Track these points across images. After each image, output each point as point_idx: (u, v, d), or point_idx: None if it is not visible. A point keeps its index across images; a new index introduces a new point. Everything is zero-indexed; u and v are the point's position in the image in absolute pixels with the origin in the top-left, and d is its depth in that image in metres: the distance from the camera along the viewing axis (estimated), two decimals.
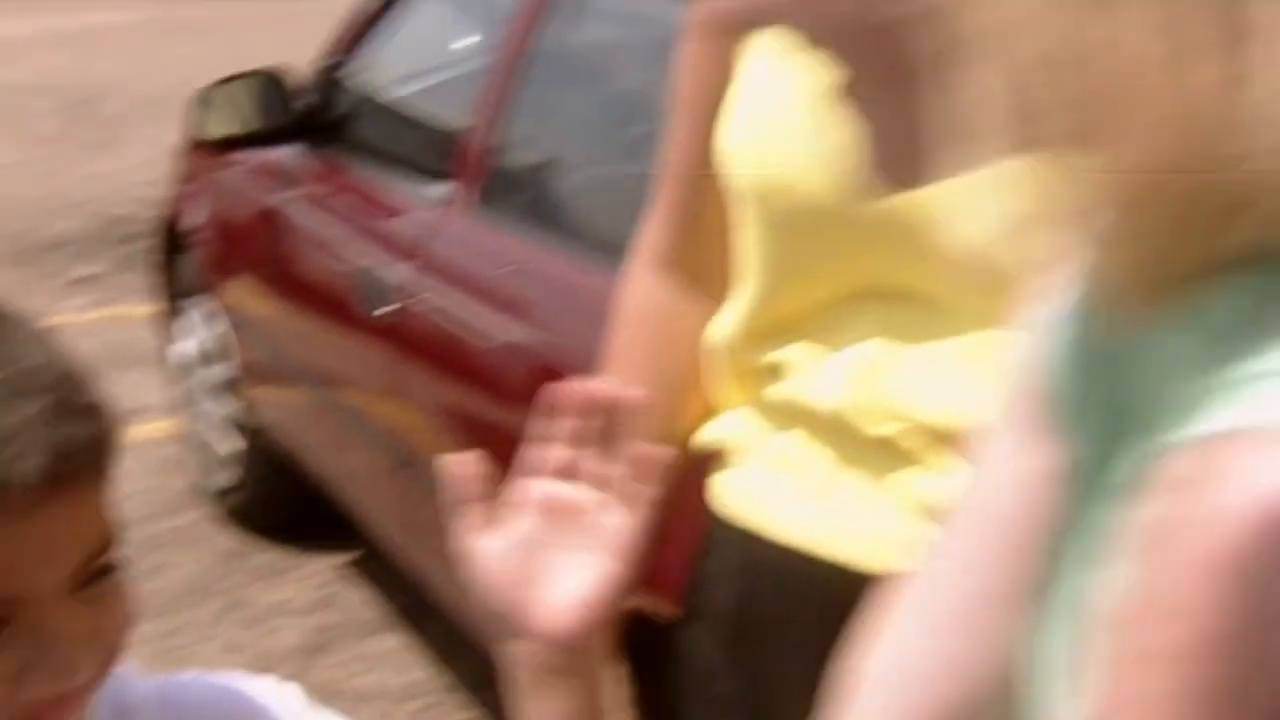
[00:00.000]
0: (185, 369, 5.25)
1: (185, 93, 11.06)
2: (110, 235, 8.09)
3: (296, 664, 4.29)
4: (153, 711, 1.24)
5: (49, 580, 1.06)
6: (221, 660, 4.33)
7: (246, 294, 4.68)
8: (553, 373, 2.97)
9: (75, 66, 11.64)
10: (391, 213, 3.87)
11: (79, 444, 1.05)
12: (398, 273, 3.60)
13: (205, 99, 4.39)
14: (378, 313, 3.61)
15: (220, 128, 4.36)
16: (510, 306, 3.25)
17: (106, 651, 1.11)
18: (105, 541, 1.10)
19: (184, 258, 5.18)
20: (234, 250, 4.79)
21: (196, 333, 5.14)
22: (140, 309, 6.92)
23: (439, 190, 3.65)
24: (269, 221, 4.47)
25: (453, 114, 3.87)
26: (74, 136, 10.04)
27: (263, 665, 4.22)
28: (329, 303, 4.06)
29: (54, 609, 1.07)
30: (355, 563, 4.87)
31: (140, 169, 9.20)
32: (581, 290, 3.03)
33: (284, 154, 4.41)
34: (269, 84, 4.30)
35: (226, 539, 5.05)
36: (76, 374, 1.11)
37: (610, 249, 2.93)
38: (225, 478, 5.09)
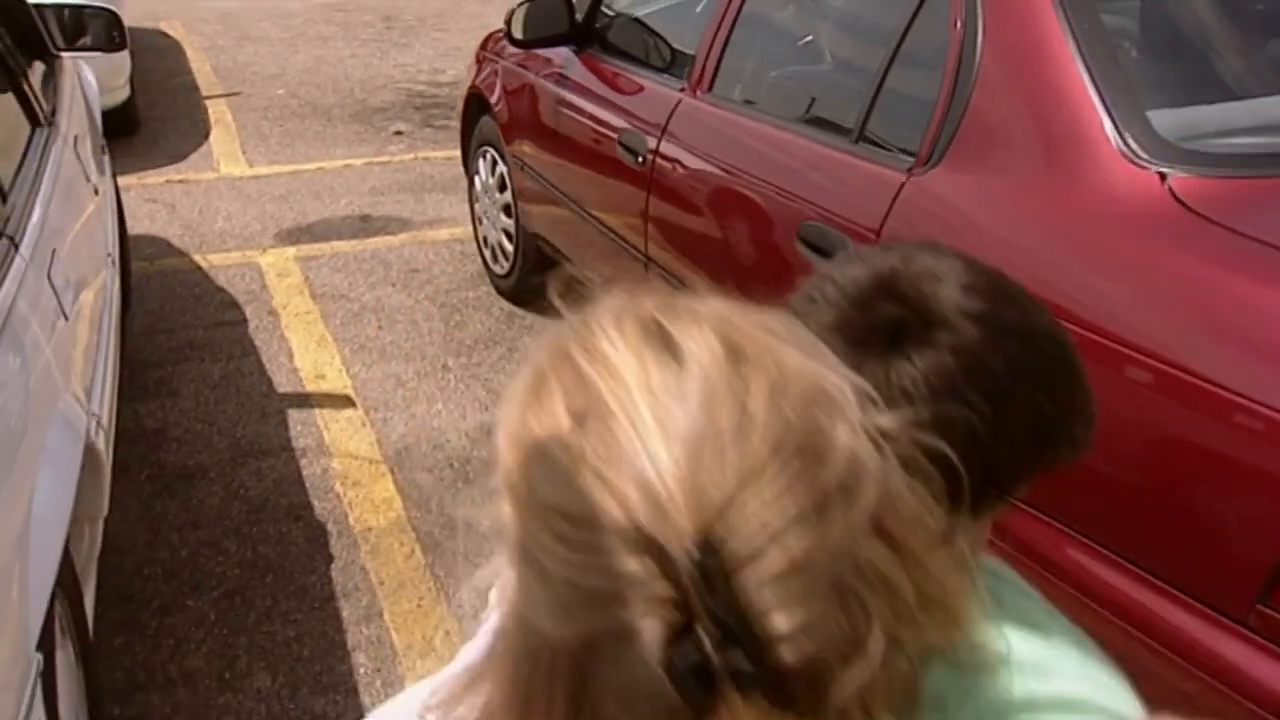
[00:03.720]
0: (480, 194, 5.36)
1: (458, 9, 11.15)
2: (412, 104, 8.23)
3: None
4: None
5: None
6: (506, 384, 4.53)
7: (525, 146, 4.71)
8: (744, 198, 3.11)
9: None
10: (641, 95, 3.86)
11: None
12: (649, 135, 3.64)
13: (513, 12, 4.36)
14: (638, 161, 3.66)
15: (521, 31, 4.35)
16: (725, 159, 3.31)
17: None
18: None
19: (481, 120, 5.23)
20: (517, 116, 4.79)
21: (487, 171, 5.23)
22: (438, 153, 7.09)
23: (676, 81, 3.68)
24: (546, 97, 4.48)
25: (685, 28, 3.85)
26: (385, 39, 10.17)
27: None
28: (592, 152, 4.07)
29: None
30: None
31: (428, 60, 9.36)
32: (772, 146, 3.09)
33: (562, 53, 4.41)
34: (559, 3, 4.27)
35: (504, 306, 5.20)
36: None
37: (795, 123, 3.05)
38: (503, 267, 5.22)
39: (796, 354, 0.69)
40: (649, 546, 0.62)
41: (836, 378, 0.69)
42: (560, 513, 0.67)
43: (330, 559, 3.52)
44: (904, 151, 2.61)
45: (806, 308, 1.02)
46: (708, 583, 0.61)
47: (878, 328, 0.97)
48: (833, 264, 1.07)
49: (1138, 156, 2.17)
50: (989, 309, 0.98)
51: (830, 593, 0.63)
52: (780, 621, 0.61)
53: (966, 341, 0.96)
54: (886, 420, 0.69)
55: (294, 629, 3.22)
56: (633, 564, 0.63)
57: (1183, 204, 2.09)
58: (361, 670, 3.06)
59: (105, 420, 2.82)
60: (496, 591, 1.02)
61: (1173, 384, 1.96)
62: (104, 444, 2.67)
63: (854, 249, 0.97)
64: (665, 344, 0.69)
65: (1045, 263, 2.23)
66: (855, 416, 0.67)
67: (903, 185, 2.54)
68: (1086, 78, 2.27)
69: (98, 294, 3.23)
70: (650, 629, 0.62)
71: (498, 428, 0.77)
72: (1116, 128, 2.20)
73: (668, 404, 0.65)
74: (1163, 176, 2.13)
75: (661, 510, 0.63)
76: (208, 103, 8.26)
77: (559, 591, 0.66)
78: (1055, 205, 2.26)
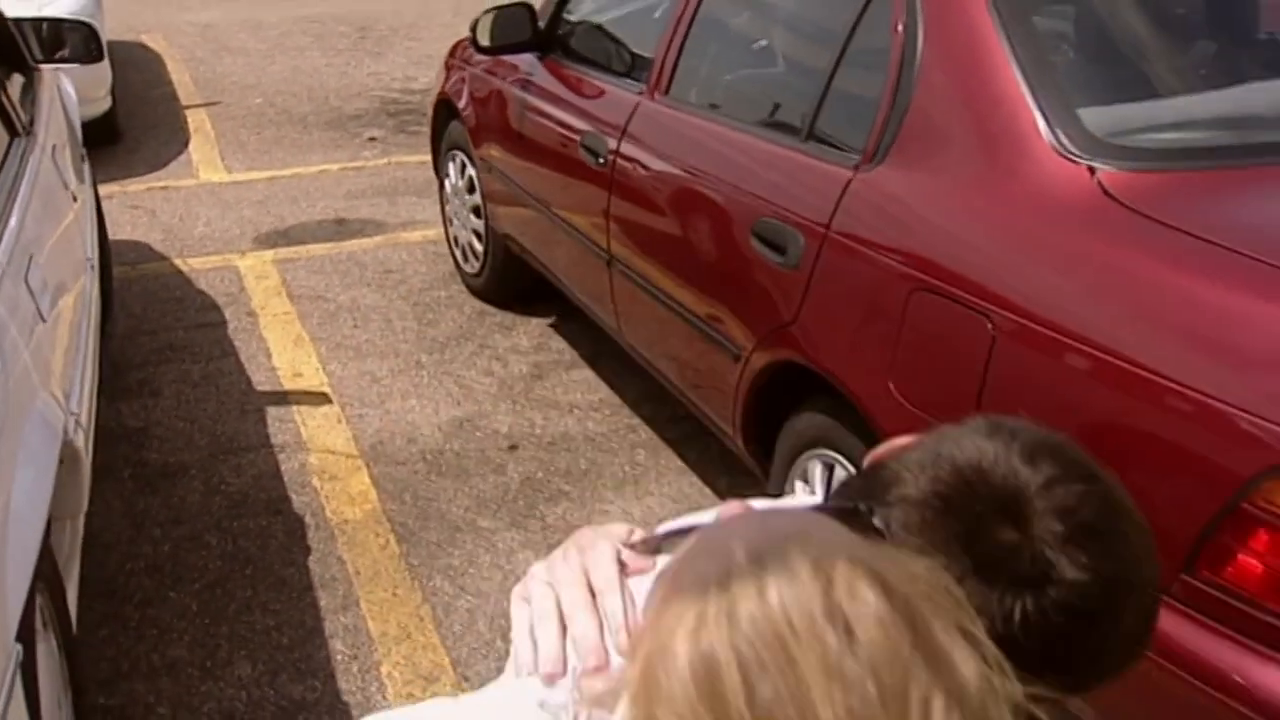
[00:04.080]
0: (450, 196, 5.35)
1: (430, 19, 11.10)
2: (385, 111, 8.22)
3: (524, 385, 4.49)
4: None
5: None
6: (477, 380, 4.55)
7: (492, 149, 4.70)
8: (701, 196, 3.12)
9: (357, 4, 11.67)
10: (602, 98, 3.88)
11: None
12: (610, 137, 3.66)
13: (479, 20, 4.35)
14: (599, 162, 3.68)
15: (487, 39, 4.34)
16: (683, 159, 3.32)
17: None
18: None
19: (450, 124, 5.22)
20: (484, 120, 4.78)
21: (456, 174, 5.23)
22: (411, 158, 7.08)
23: (635, 84, 3.69)
24: (512, 102, 4.48)
25: (643, 33, 3.85)
26: (360, 48, 10.13)
27: (502, 386, 4.48)
28: (556, 154, 4.07)
29: None
30: (560, 322, 4.97)
31: (401, 69, 9.33)
32: (727, 145, 3.11)
33: (526, 59, 4.41)
34: (523, 11, 4.28)
35: (475, 304, 5.21)
36: None
37: (748, 123, 3.07)
38: (473, 266, 5.22)
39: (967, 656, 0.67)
40: None
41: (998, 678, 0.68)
42: None
43: (308, 550, 3.52)
44: (851, 149, 2.63)
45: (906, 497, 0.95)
46: None
47: (987, 552, 0.90)
48: (939, 452, 0.97)
49: (1069, 152, 2.20)
50: (1101, 569, 0.91)
51: None
52: None
53: (1072, 597, 0.90)
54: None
55: (273, 618, 3.22)
56: None
57: (1111, 196, 2.13)
58: (339, 656, 3.06)
59: (84, 419, 2.81)
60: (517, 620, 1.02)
61: (1102, 367, 1.99)
62: (83, 442, 2.67)
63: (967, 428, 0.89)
64: (840, 617, 0.66)
65: (982, 252, 2.26)
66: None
67: (850, 181, 2.57)
68: (1020, 78, 2.30)
69: (77, 298, 3.23)
70: None
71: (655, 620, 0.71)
72: (1049, 124, 2.23)
73: (846, 714, 0.63)
74: (1092, 170, 2.17)
75: None
76: (187, 112, 8.23)
77: None
78: (992, 198, 2.29)
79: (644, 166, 3.47)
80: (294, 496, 3.79)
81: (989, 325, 2.15)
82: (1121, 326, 2.00)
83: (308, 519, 3.67)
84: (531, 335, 4.91)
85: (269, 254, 5.79)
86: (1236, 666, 1.84)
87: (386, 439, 4.12)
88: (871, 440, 2.48)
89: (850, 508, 0.94)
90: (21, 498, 1.86)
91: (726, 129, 3.17)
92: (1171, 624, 1.91)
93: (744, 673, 0.63)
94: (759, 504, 1.08)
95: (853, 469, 2.61)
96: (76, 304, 3.18)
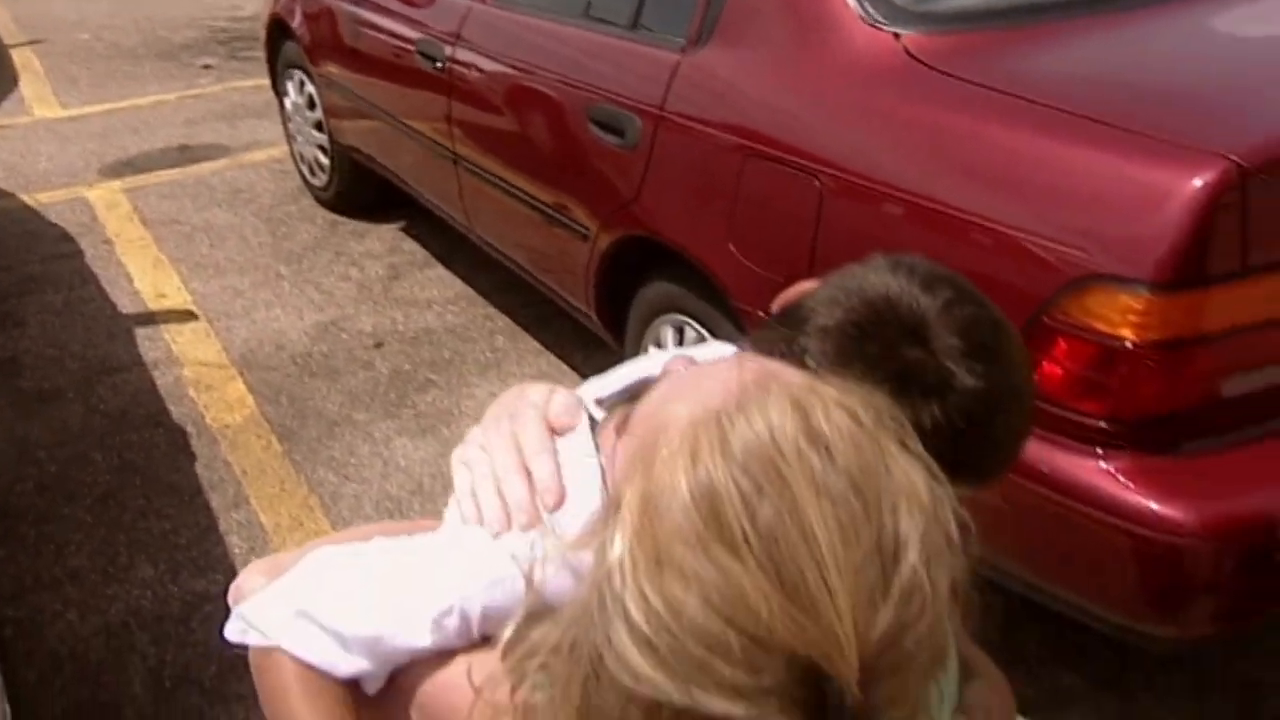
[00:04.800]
0: (291, 114, 5.21)
1: None
2: (215, 39, 7.91)
3: (382, 286, 4.45)
4: None
5: None
6: (336, 285, 4.48)
7: (330, 65, 4.58)
8: (536, 92, 3.11)
9: None
10: (434, 6, 3.76)
11: None
12: (445, 43, 3.59)
13: None
14: (437, 67, 3.62)
15: None
16: (517, 57, 3.30)
17: None
18: None
19: (284, 44, 5.06)
20: (319, 37, 4.65)
21: (296, 92, 5.08)
22: (246, 83, 6.85)
23: None
24: (346, 18, 4.35)
25: None
26: None
27: (361, 289, 4.43)
28: (394, 64, 3.98)
29: None
30: (410, 225, 4.92)
31: None
32: (558, 40, 3.09)
33: None
34: None
35: (326, 215, 5.12)
36: None
37: (576, 18, 3.04)
38: (321, 180, 5.11)
39: (917, 474, 0.70)
40: (814, 672, 0.63)
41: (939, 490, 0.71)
42: (718, 613, 0.64)
43: (193, 457, 3.47)
44: (676, 35, 2.65)
45: (816, 320, 1.01)
46: (865, 713, 0.64)
47: (898, 369, 0.96)
48: (844, 285, 1.04)
49: (875, 20, 2.27)
50: (991, 376, 0.99)
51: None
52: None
53: (971, 402, 0.97)
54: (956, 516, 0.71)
55: (168, 522, 3.18)
56: (792, 675, 0.63)
57: (914, 57, 2.21)
58: (236, 550, 3.05)
59: None
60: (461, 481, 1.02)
61: (916, 211, 2.08)
62: None
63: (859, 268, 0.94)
64: (824, 446, 0.68)
65: (804, 118, 2.33)
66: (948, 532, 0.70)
67: (678, 64, 2.60)
68: None
69: None
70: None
71: (632, 464, 0.72)
72: None
73: (835, 523, 0.66)
74: (897, 35, 2.24)
75: (835, 650, 0.63)
76: (12, 51, 7.77)
77: (692, 671, 0.64)
78: (809, 67, 2.35)
79: (479, 68, 3.44)
80: (173, 408, 3.72)
81: (816, 184, 2.22)
82: (929, 173, 2.10)
83: (189, 428, 3.61)
84: (384, 240, 4.85)
85: (117, 183, 5.56)
86: (1045, 459, 1.97)
87: (256, 347, 4.05)
88: (718, 301, 2.55)
89: (774, 344, 1.00)
90: None
91: (556, 25, 3.15)
92: None
93: (744, 497, 0.66)
94: (690, 352, 1.13)
95: (702, 329, 2.68)
96: None
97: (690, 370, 0.90)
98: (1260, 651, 2.58)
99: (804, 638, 0.63)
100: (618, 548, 0.68)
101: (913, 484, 0.69)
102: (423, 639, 0.96)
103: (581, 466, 1.00)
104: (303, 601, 0.99)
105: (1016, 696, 1.11)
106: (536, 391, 1.08)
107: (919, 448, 0.73)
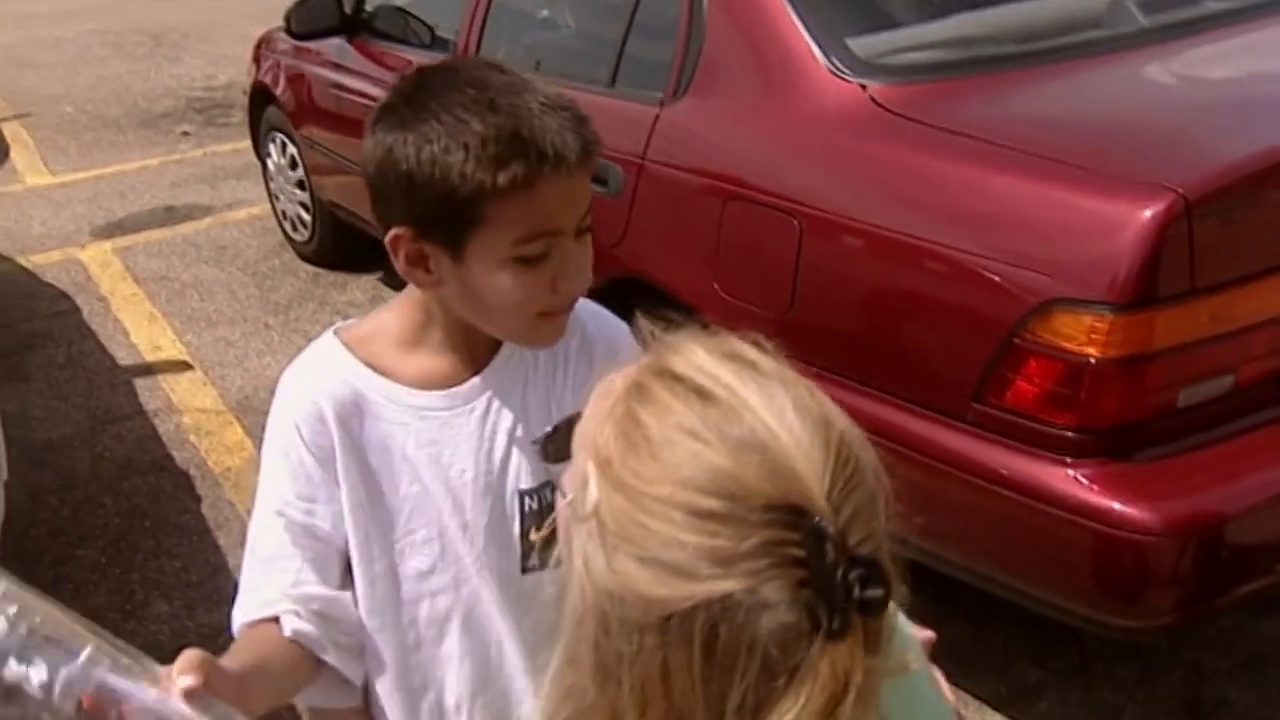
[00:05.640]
0: (274, 174, 5.13)
1: (216, 23, 10.52)
2: (193, 107, 7.79)
3: None
4: (580, 310, 1.16)
5: (571, 222, 1.03)
6: (320, 333, 4.41)
7: (312, 127, 4.54)
8: None
9: (149, 15, 10.98)
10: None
11: (590, 137, 1.02)
12: None
13: (291, 11, 4.19)
14: None
15: (299, 28, 4.20)
16: None
17: (589, 274, 1.08)
18: (589, 206, 1.05)
19: (267, 110, 5.00)
20: (302, 102, 4.60)
21: (278, 153, 5.02)
22: (224, 147, 6.75)
23: (441, 54, 3.59)
24: (327, 82, 4.32)
25: (441, 10, 3.79)
26: (156, 54, 9.54)
27: None
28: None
29: (570, 243, 1.03)
30: (389, 275, 4.79)
31: (200, 69, 8.83)
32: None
33: (336, 43, 4.24)
34: (329, 1, 4.13)
35: (308, 269, 5.03)
36: (575, 100, 1.04)
37: (556, 77, 3.03)
38: (303, 235, 5.04)
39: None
40: (792, 513, 0.63)
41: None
42: (694, 487, 0.64)
43: (199, 499, 3.40)
44: (654, 89, 2.67)
45: None
46: (843, 540, 0.64)
47: None
48: None
49: (842, 73, 2.30)
50: None
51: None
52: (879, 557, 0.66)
53: None
54: None
55: (179, 561, 3.11)
56: (773, 527, 0.63)
57: (881, 106, 2.24)
58: None
59: None
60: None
61: (891, 245, 2.11)
62: None
63: None
64: (749, 363, 0.70)
65: (782, 162, 2.35)
66: None
67: (657, 117, 2.61)
68: (795, 16, 2.38)
69: None
70: (784, 579, 0.63)
71: (580, 435, 0.73)
72: (824, 52, 2.32)
73: (772, 398, 0.67)
74: (864, 86, 2.27)
75: (802, 485, 0.64)
76: (3, 125, 7.63)
77: (684, 560, 0.64)
78: (784, 116, 2.38)
79: None
80: (175, 454, 3.64)
81: (795, 224, 2.24)
82: (903, 210, 2.12)
83: (192, 471, 3.54)
84: (365, 289, 4.78)
85: (108, 244, 5.46)
86: (1022, 469, 1.99)
87: (251, 393, 3.98)
88: None
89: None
90: None
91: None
92: (968, 445, 2.05)
93: (686, 402, 0.68)
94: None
95: None
96: None
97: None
98: (1204, 640, 2.62)
99: (773, 479, 0.64)
100: (592, 492, 0.68)
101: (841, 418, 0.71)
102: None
103: None
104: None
105: (988, 692, 1.10)
106: None
107: None
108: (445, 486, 1.14)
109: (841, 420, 0.70)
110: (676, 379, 0.69)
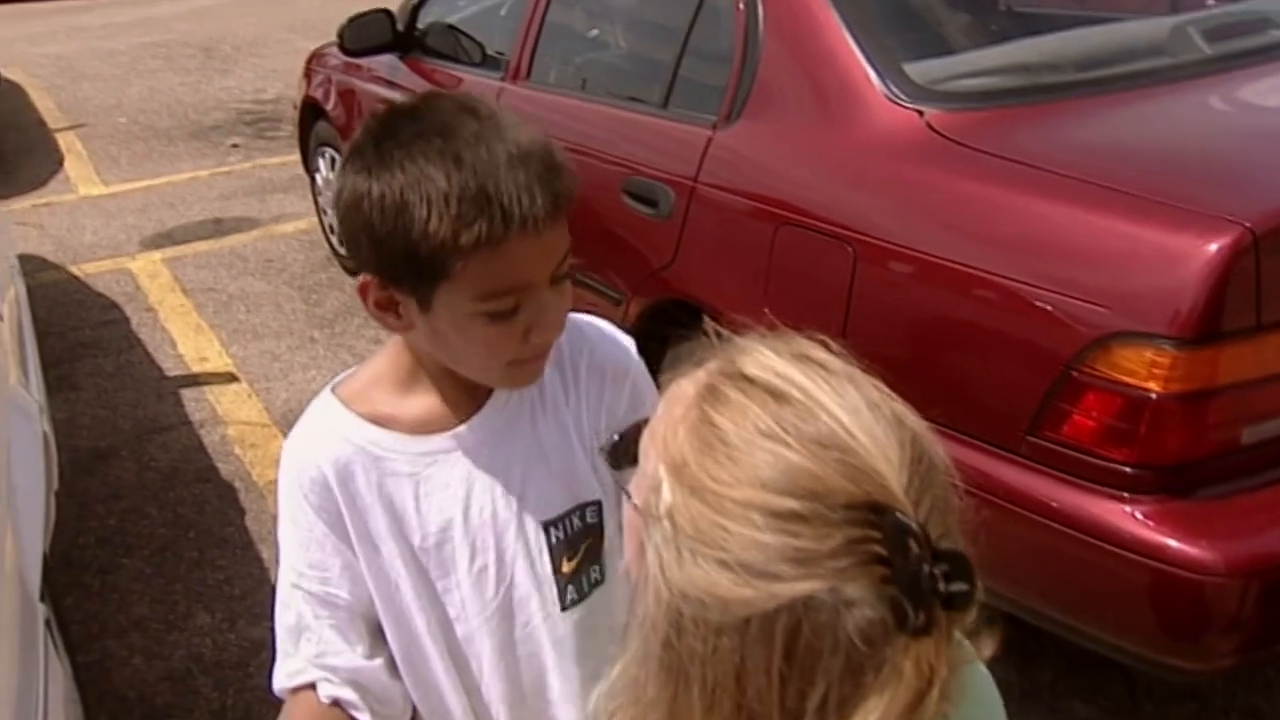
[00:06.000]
0: (323, 188, 5.17)
1: (269, 37, 10.67)
2: (242, 120, 7.89)
3: None
4: (586, 327, 1.16)
5: (543, 275, 1.00)
6: (368, 348, 4.43)
7: None
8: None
9: (200, 28, 11.14)
10: (463, 86, 3.74)
11: (562, 190, 0.98)
12: None
13: (343, 27, 4.19)
14: None
15: (351, 43, 4.21)
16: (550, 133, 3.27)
17: (563, 321, 1.06)
18: (566, 253, 1.02)
19: (316, 124, 5.05)
20: (352, 118, 4.64)
21: (328, 168, 5.05)
22: (272, 160, 6.83)
23: (495, 73, 3.61)
24: (379, 99, 4.30)
25: (494, 29, 3.81)
26: (208, 67, 9.68)
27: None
28: None
29: (544, 294, 1.00)
30: None
31: (250, 82, 8.95)
32: (591, 118, 3.08)
33: (388, 59, 4.28)
34: (382, 17, 4.16)
35: (353, 282, 5.00)
36: (551, 145, 1.01)
37: (609, 98, 3.03)
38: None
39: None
40: (873, 510, 0.64)
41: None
42: (774, 489, 0.65)
43: (243, 511, 3.41)
44: (707, 112, 2.65)
45: None
46: (925, 535, 0.64)
47: None
48: None
49: (899, 99, 2.27)
50: None
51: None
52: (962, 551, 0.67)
53: None
54: None
55: (222, 573, 3.12)
56: (854, 525, 0.64)
57: (938, 132, 2.21)
58: None
59: (45, 406, 2.66)
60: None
61: (948, 274, 2.07)
62: (49, 426, 2.53)
63: None
64: (819, 363, 0.71)
65: (837, 188, 2.32)
66: None
67: (710, 140, 2.59)
68: (852, 41, 2.36)
69: (12, 304, 3.04)
70: (867, 577, 0.63)
71: (650, 439, 0.73)
72: (881, 78, 2.30)
73: (845, 396, 0.68)
74: (920, 113, 2.25)
75: (882, 482, 0.64)
76: (57, 135, 7.75)
77: (765, 561, 0.64)
78: (840, 141, 2.35)
79: None
80: (220, 465, 3.66)
81: (849, 250, 2.21)
82: (959, 238, 2.09)
83: (236, 484, 3.55)
84: None
85: (157, 254, 5.52)
86: (1078, 504, 1.95)
87: (295, 406, 4.00)
88: None
89: None
90: (21, 474, 1.76)
91: (589, 105, 3.15)
92: (1022, 478, 2.01)
93: (763, 404, 0.68)
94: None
95: None
96: (14, 308, 3.00)
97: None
98: (1260, 684, 2.56)
99: (853, 478, 0.64)
100: (666, 496, 0.68)
101: (910, 415, 0.72)
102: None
103: None
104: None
105: None
106: None
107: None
108: (464, 529, 1.11)
109: (912, 417, 0.70)
110: (749, 381, 0.69)
